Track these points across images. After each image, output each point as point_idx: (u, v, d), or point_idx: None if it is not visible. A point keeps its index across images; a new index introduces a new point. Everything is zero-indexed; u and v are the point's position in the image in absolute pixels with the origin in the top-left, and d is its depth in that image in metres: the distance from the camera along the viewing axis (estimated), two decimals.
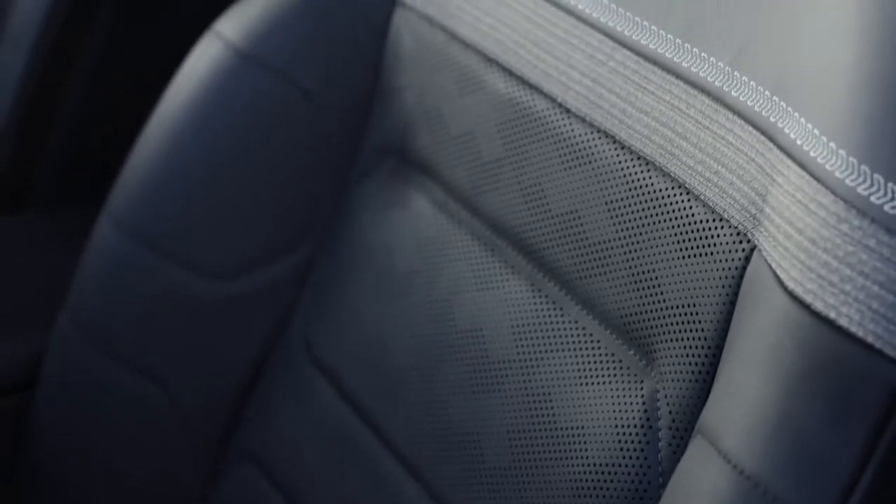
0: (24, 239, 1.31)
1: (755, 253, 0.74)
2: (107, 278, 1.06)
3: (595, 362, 0.85)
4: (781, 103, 0.74)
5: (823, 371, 0.67)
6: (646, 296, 0.82)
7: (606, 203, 0.84)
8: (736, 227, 0.76)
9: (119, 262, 1.05)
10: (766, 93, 0.75)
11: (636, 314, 0.82)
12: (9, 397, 1.14)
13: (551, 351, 0.87)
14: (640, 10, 0.85)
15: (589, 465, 0.83)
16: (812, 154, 0.70)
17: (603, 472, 0.82)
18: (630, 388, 0.83)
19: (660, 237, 0.81)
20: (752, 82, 0.76)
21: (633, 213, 0.83)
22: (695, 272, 0.78)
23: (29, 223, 1.34)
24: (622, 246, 0.83)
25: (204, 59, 1.05)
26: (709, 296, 0.77)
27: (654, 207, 0.81)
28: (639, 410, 0.81)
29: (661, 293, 0.81)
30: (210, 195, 1.03)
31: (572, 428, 0.85)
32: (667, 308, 0.80)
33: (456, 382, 0.92)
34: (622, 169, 0.84)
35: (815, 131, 0.70)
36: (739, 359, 0.72)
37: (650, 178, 0.82)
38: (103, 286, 1.07)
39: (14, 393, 1.14)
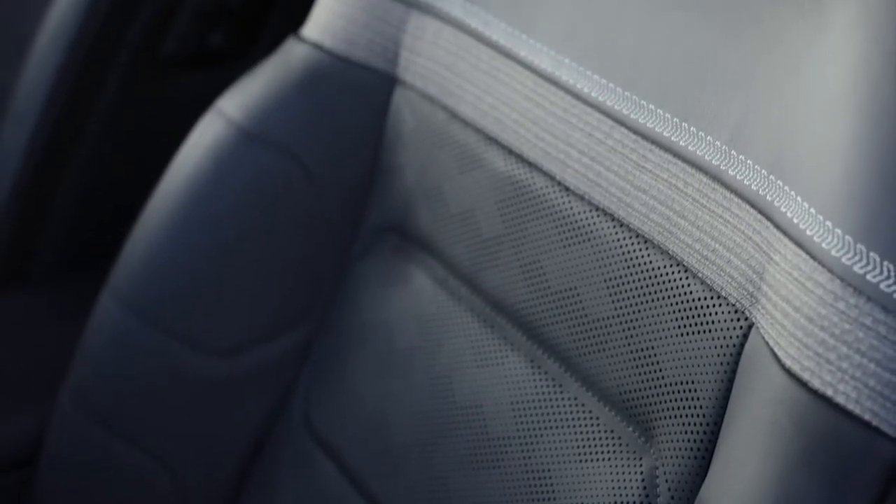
0: (25, 314, 1.31)
1: (753, 330, 0.75)
2: (108, 354, 1.06)
3: (594, 439, 0.85)
4: (778, 182, 0.74)
5: (821, 449, 0.67)
6: (645, 373, 0.82)
7: (605, 280, 0.85)
8: (734, 305, 0.76)
9: (120, 338, 1.05)
10: (763, 172, 0.75)
11: (635, 391, 0.82)
12: (10, 474, 1.14)
13: (551, 427, 0.87)
14: (638, 89, 0.85)
15: None
16: (808, 233, 0.71)
17: None
18: (629, 465, 0.82)
19: (658, 315, 0.81)
20: (748, 161, 0.77)
21: (631, 290, 0.83)
22: (693, 349, 0.79)
23: (30, 299, 1.34)
24: (621, 323, 0.84)
25: (206, 136, 1.05)
26: (707, 373, 0.77)
27: (653, 285, 0.82)
28: (638, 487, 0.81)
29: (660, 370, 0.81)
30: (212, 272, 1.03)
31: None
32: (666, 385, 0.80)
33: (456, 459, 0.92)
34: (621, 247, 0.84)
35: (812, 210, 0.71)
36: (738, 436, 0.72)
37: (648, 255, 0.82)
38: (105, 362, 1.06)
39: (15, 469, 1.14)
